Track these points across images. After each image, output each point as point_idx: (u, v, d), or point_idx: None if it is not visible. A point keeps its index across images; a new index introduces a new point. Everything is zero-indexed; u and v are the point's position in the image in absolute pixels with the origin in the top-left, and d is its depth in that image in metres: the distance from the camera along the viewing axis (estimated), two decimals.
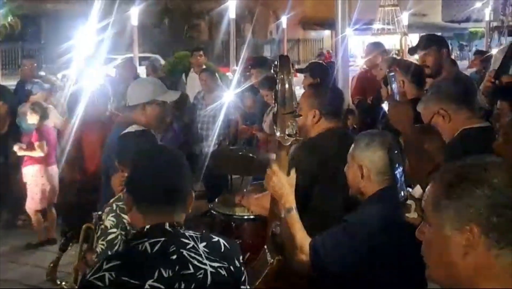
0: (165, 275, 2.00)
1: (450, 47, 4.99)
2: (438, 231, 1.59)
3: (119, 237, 3.04)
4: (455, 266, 1.57)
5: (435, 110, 3.32)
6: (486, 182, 1.55)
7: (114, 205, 3.14)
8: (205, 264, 2.10)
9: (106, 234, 3.06)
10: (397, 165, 2.64)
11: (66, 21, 25.00)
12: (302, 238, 2.68)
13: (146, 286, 1.96)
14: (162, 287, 1.98)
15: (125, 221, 3.05)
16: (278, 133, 2.47)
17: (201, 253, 2.11)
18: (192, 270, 2.06)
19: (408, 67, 4.16)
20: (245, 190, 4.77)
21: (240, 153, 5.34)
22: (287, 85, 2.40)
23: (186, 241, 2.11)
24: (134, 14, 11.18)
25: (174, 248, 2.06)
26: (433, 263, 1.63)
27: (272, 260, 2.78)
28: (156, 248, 2.04)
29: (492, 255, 1.53)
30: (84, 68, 8.56)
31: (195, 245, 2.12)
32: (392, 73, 2.96)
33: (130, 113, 4.17)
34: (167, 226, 2.09)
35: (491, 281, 1.54)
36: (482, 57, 9.65)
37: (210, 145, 7.44)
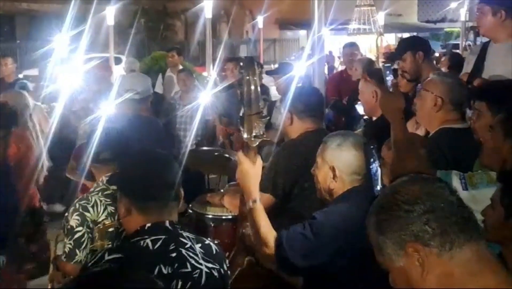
0: (165, 271, 2.05)
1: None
2: (392, 266, 1.66)
3: (86, 235, 3.05)
4: (422, 287, 1.60)
5: None
6: (400, 204, 1.62)
7: (77, 204, 3.14)
8: (201, 264, 2.16)
9: (73, 233, 3.06)
10: (372, 160, 2.65)
11: (41, 21, 24.77)
12: (267, 231, 2.66)
13: None
14: (160, 283, 2.00)
15: (88, 219, 3.06)
16: (245, 135, 2.48)
17: (198, 253, 2.18)
18: (189, 269, 2.12)
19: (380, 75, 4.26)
20: (222, 190, 4.76)
21: (216, 154, 5.33)
22: (252, 87, 2.42)
23: (185, 241, 2.17)
24: (110, 14, 11.05)
25: (174, 246, 2.12)
26: None
27: (242, 261, 2.79)
28: (158, 245, 2.09)
29: (446, 261, 1.57)
30: (55, 68, 8.43)
31: (193, 246, 2.18)
32: (387, 65, 3.02)
33: (139, 105, 4.16)
34: (167, 224, 2.15)
35: (457, 285, 1.55)
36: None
37: (187, 146, 7.41)
